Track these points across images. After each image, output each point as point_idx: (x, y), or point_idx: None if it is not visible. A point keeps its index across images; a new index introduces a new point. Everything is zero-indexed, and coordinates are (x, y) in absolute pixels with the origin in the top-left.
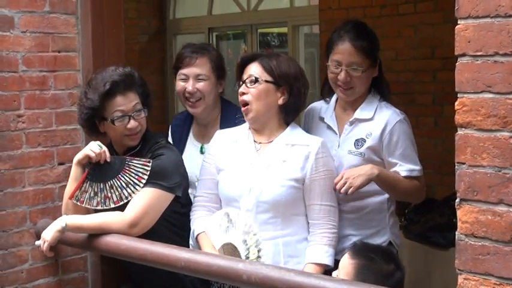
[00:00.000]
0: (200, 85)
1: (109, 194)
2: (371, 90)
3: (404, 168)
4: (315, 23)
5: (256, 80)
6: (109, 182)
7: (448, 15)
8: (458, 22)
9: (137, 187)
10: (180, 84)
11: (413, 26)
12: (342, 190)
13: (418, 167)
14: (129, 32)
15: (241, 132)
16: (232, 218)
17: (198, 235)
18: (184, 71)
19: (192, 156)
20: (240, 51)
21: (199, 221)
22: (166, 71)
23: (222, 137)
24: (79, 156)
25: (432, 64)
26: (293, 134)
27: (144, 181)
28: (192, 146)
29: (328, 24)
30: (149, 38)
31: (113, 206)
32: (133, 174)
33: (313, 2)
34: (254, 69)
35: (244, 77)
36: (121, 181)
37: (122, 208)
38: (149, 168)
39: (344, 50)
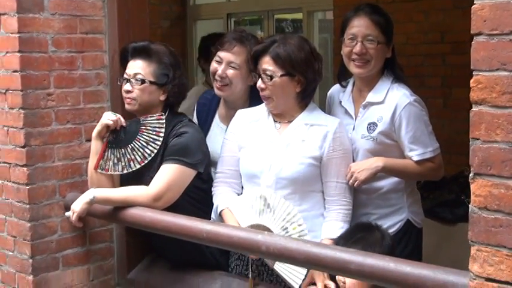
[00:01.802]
0: (230, 72)
1: (132, 157)
2: (384, 72)
3: (415, 152)
4: (329, 9)
5: (271, 77)
6: (130, 145)
7: (458, 1)
8: (475, 2)
9: (157, 142)
10: (213, 65)
11: (424, 11)
12: (350, 183)
13: (430, 148)
14: (152, 17)
15: (262, 111)
16: (270, 202)
17: (222, 211)
18: (221, 53)
19: (216, 138)
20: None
21: (223, 197)
22: (187, 55)
23: (244, 116)
24: (97, 128)
25: (442, 48)
26: (312, 114)
27: (162, 135)
28: (217, 127)
29: (342, 10)
30: (171, 23)
31: (138, 166)
32: (150, 131)
33: None
34: (267, 65)
35: (260, 70)
36: (140, 141)
37: (147, 183)
38: (163, 121)
39: (360, 23)
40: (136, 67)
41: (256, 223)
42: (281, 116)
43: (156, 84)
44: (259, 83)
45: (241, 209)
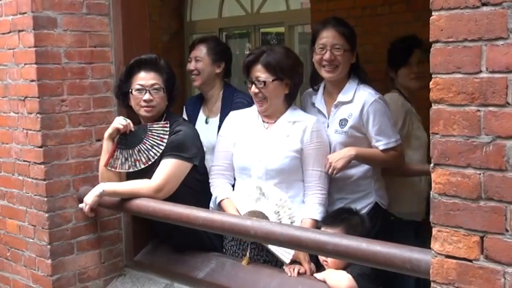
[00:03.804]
0: (198, 64)
1: (138, 157)
2: (350, 76)
3: (381, 142)
4: (307, 23)
5: (264, 83)
6: (136, 148)
7: (419, 15)
8: (433, 13)
9: (161, 147)
10: (187, 65)
11: (389, 24)
12: (329, 172)
13: (393, 139)
14: (153, 32)
15: (252, 113)
16: (265, 191)
17: (221, 201)
18: (190, 54)
19: (199, 127)
20: (245, 49)
21: (221, 188)
22: (185, 66)
23: (236, 117)
24: (109, 131)
25: None
26: (294, 113)
27: (165, 141)
28: (201, 120)
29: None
30: (170, 38)
31: (143, 166)
32: (155, 137)
33: (306, 6)
34: (259, 73)
35: (253, 77)
36: (146, 145)
37: (149, 176)
38: (168, 129)
39: (328, 34)
40: (152, 78)
41: (253, 209)
42: (269, 116)
43: (167, 92)
44: (253, 89)
45: (240, 198)
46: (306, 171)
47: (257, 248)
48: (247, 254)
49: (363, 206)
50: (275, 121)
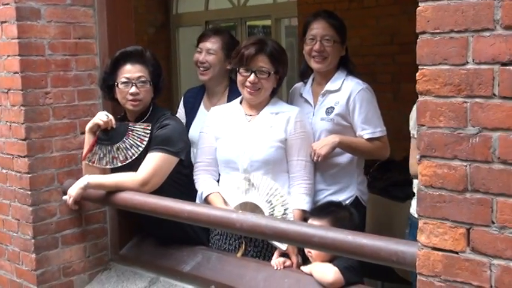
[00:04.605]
0: (209, 58)
1: (116, 155)
2: (339, 68)
3: (366, 131)
4: (294, 16)
5: (269, 74)
6: (115, 145)
7: (405, 8)
8: (419, 4)
9: (139, 148)
10: (195, 56)
11: (376, 17)
12: (314, 159)
13: (379, 129)
14: (139, 25)
15: (233, 107)
16: (255, 182)
17: (208, 196)
18: (200, 45)
19: (200, 120)
20: None
21: (206, 184)
22: (171, 58)
23: (217, 112)
24: (89, 125)
25: (391, 49)
26: (276, 105)
27: (145, 143)
28: (202, 114)
29: (305, 17)
30: (156, 30)
31: (120, 164)
32: (135, 137)
33: None
34: (263, 63)
35: (253, 67)
36: (125, 143)
37: (135, 169)
38: (149, 131)
39: (319, 25)
40: (138, 70)
41: (244, 201)
42: (252, 109)
43: (153, 84)
44: (252, 78)
45: (229, 191)
46: (291, 162)
47: (246, 240)
48: (243, 246)
49: (343, 198)
50: (258, 113)
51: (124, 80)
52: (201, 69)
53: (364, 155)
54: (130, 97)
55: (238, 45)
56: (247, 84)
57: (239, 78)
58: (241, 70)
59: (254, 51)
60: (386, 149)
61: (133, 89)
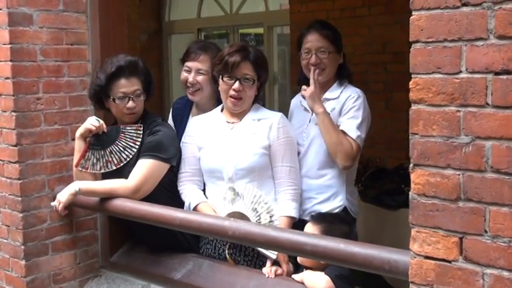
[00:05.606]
0: (200, 78)
1: (110, 159)
2: (337, 77)
3: (344, 124)
4: (286, 24)
5: (253, 82)
6: (108, 149)
7: (397, 17)
8: (413, 13)
9: (133, 149)
10: (183, 74)
11: (368, 26)
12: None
13: (358, 133)
14: (132, 31)
15: (215, 115)
16: (239, 191)
17: (196, 206)
18: (188, 64)
19: None
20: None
21: (192, 194)
22: (163, 65)
23: (198, 121)
24: (80, 130)
25: (383, 58)
26: (258, 111)
27: (138, 143)
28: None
29: (298, 25)
30: (148, 37)
31: (114, 168)
32: (128, 139)
33: (285, 7)
34: (248, 71)
35: (238, 75)
36: (118, 146)
37: (126, 176)
38: (141, 132)
39: (312, 38)
40: (133, 84)
41: (231, 211)
42: (233, 116)
43: (146, 94)
44: (237, 85)
45: (216, 202)
46: (276, 168)
47: (236, 250)
48: (228, 258)
49: (331, 208)
50: (240, 120)
51: (121, 95)
52: (191, 89)
53: (331, 142)
54: (127, 111)
55: (221, 52)
56: (232, 92)
57: (222, 86)
58: (225, 78)
59: (240, 59)
60: (351, 156)
61: (130, 104)
